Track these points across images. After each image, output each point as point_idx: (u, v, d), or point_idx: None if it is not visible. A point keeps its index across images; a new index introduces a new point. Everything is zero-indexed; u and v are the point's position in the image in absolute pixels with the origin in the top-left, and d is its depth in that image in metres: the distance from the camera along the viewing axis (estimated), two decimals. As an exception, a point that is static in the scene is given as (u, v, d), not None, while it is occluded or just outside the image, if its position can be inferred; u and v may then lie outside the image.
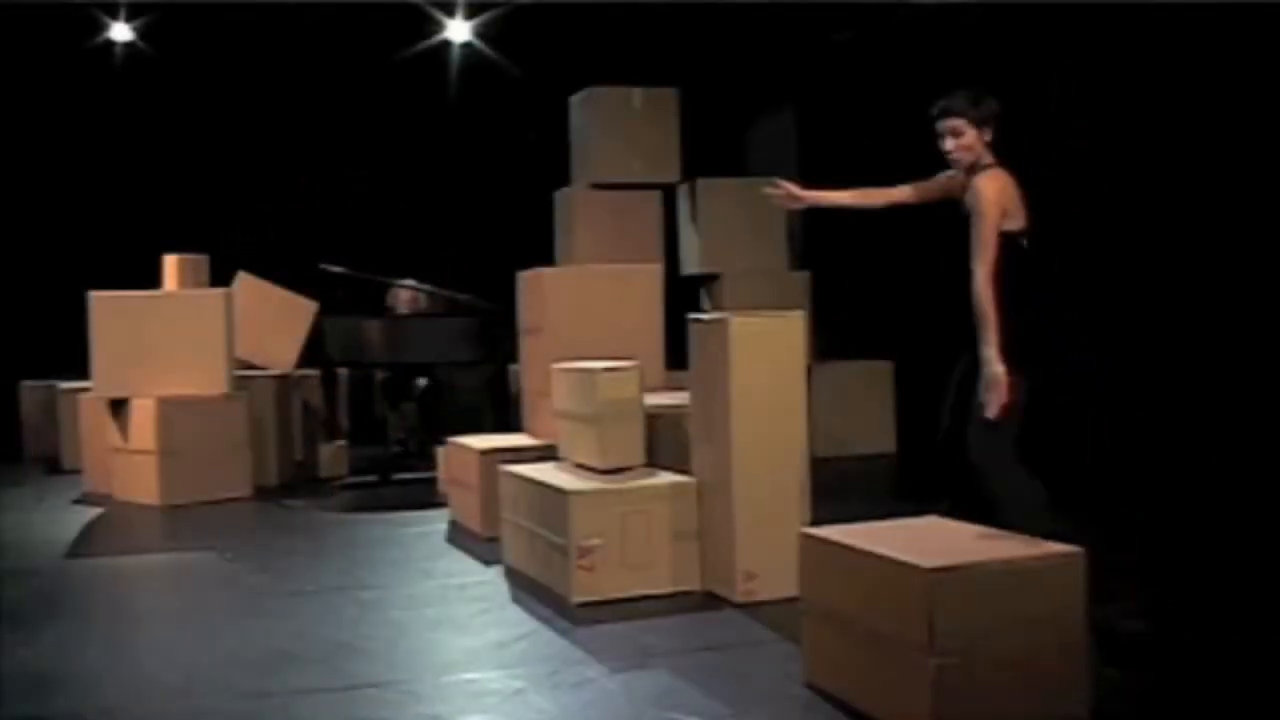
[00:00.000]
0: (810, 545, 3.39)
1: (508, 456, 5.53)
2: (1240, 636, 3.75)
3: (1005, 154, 4.54)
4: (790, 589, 3.68)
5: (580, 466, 4.94)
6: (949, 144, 4.14)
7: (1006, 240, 3.85)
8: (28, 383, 9.14)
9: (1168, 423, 6.09)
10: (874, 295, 8.30)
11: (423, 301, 8.33)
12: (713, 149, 8.92)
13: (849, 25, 8.48)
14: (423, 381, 8.42)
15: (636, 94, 7.51)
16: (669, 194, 7.94)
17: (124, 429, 7.15)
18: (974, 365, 3.90)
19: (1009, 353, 3.76)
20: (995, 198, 3.87)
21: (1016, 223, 3.93)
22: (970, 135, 4.09)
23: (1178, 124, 6.06)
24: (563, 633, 4.03)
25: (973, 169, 4.03)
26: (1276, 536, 4.99)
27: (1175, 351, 6.09)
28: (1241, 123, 5.74)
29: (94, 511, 6.86)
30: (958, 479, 4.00)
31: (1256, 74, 5.62)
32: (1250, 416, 5.70)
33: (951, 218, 4.79)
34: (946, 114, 4.15)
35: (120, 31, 9.39)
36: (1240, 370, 5.78)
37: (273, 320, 8.10)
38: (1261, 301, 5.67)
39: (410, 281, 8.18)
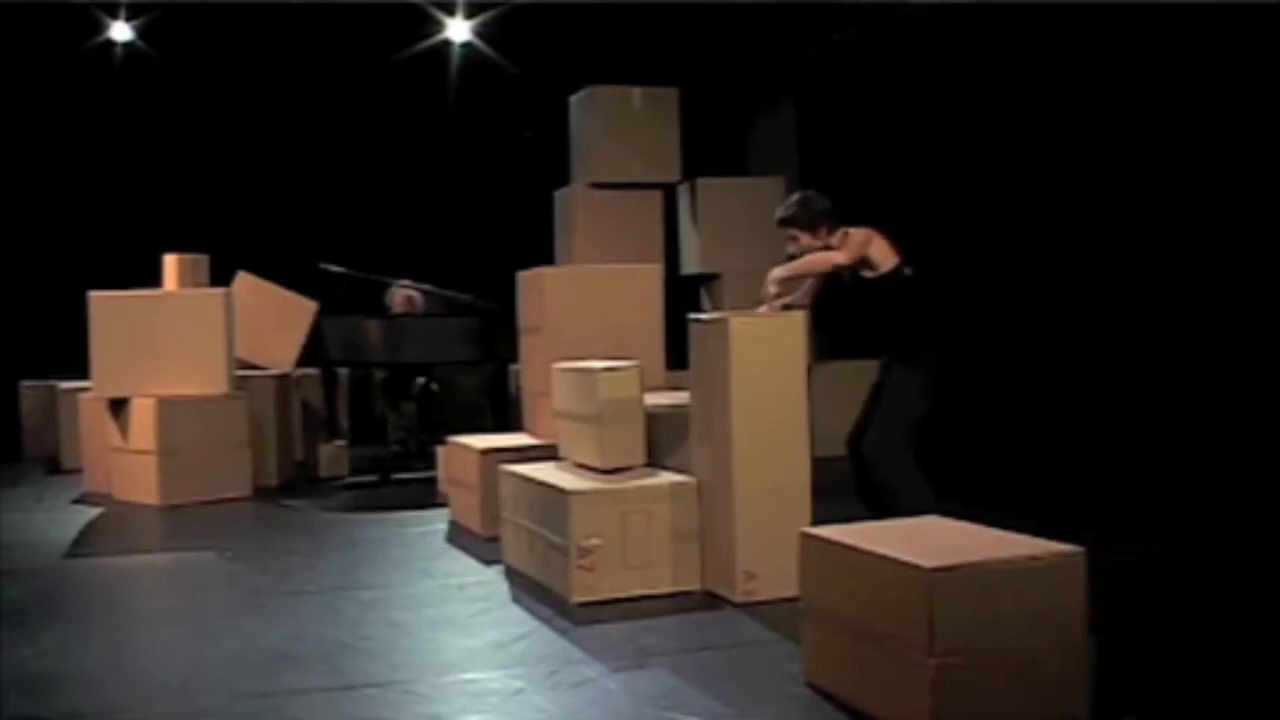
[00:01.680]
0: (810, 545, 3.39)
1: (508, 456, 5.53)
2: (1239, 635, 3.75)
3: (1006, 153, 4.58)
4: (790, 589, 3.68)
5: (580, 466, 4.94)
6: (791, 247, 4.92)
7: (887, 277, 4.72)
8: (28, 383, 9.15)
9: (1165, 421, 6.09)
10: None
11: (419, 302, 8.32)
12: (713, 149, 8.91)
13: (849, 25, 8.48)
14: (423, 381, 8.42)
15: (637, 94, 7.52)
16: (669, 194, 7.95)
17: (124, 429, 7.15)
18: (883, 374, 4.79)
19: (907, 356, 4.69)
20: (841, 256, 4.70)
21: (888, 265, 4.72)
22: (805, 239, 4.86)
23: (1178, 123, 6.06)
24: (563, 633, 4.03)
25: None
26: (1273, 535, 4.99)
27: (1174, 350, 6.09)
28: (1238, 122, 5.74)
29: (94, 511, 6.86)
30: (861, 477, 4.77)
31: (1254, 73, 5.62)
32: (1247, 415, 5.69)
33: (950, 222, 4.83)
34: (783, 224, 4.92)
35: (120, 31, 9.38)
36: (1237, 369, 5.77)
37: (272, 320, 8.10)
38: (1259, 300, 5.67)
39: (408, 281, 8.18)
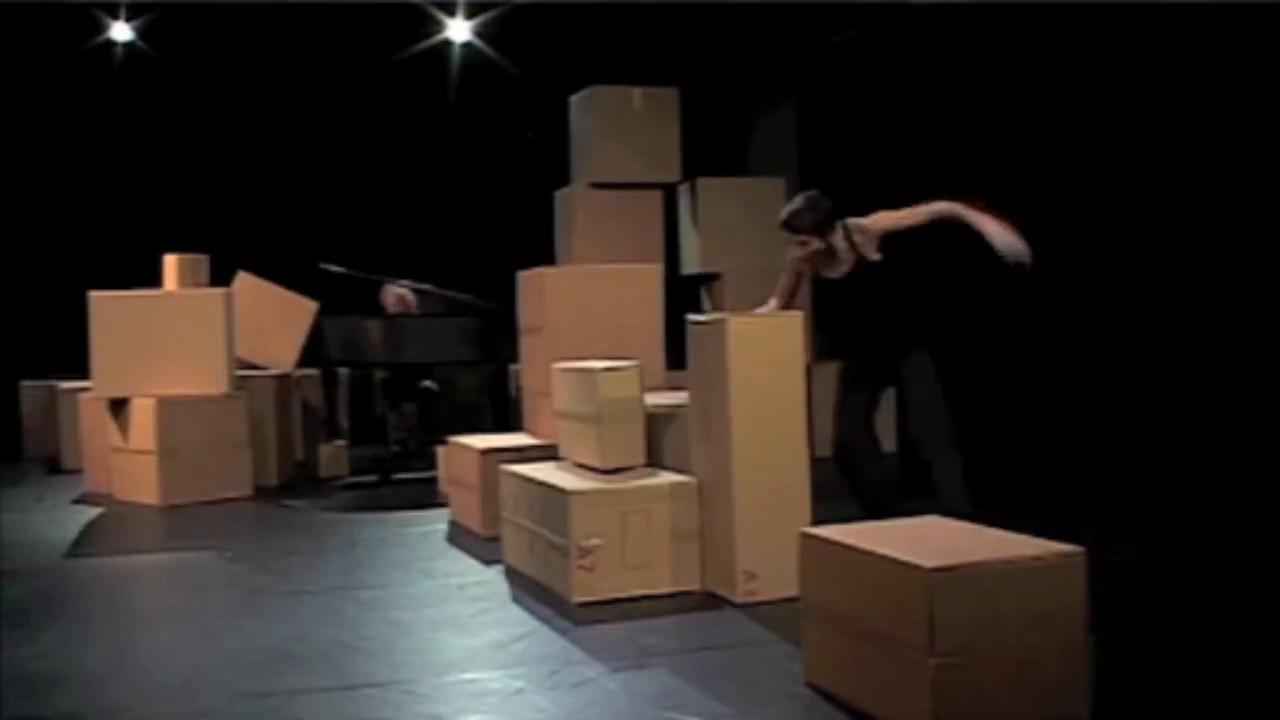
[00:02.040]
0: (810, 545, 3.39)
1: (508, 456, 5.53)
2: (1239, 635, 3.75)
3: (1007, 154, 4.56)
4: (791, 589, 3.68)
5: (580, 466, 4.94)
6: (798, 251, 4.90)
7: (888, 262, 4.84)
8: (28, 383, 9.15)
9: (1165, 422, 6.09)
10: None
11: (412, 302, 8.29)
12: (713, 148, 8.91)
13: (849, 25, 8.48)
14: (423, 382, 8.41)
15: (637, 94, 7.51)
16: (669, 194, 7.94)
17: (124, 429, 7.15)
18: (888, 363, 4.79)
19: (917, 343, 4.76)
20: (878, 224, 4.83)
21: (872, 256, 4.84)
22: (815, 243, 4.84)
23: (1178, 124, 6.05)
24: (563, 633, 4.03)
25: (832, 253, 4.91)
26: (1273, 535, 4.99)
27: (1174, 351, 6.09)
28: (1238, 122, 5.74)
29: (94, 511, 6.86)
30: (860, 480, 4.82)
31: (1254, 73, 5.62)
32: (1247, 415, 5.69)
33: (949, 225, 4.84)
34: (793, 231, 4.87)
35: (120, 31, 9.38)
36: (1237, 369, 5.77)
37: (273, 320, 8.10)
38: (1258, 300, 5.67)
39: (407, 282, 8.17)
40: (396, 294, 8.27)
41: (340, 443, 8.09)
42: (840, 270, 4.91)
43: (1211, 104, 5.88)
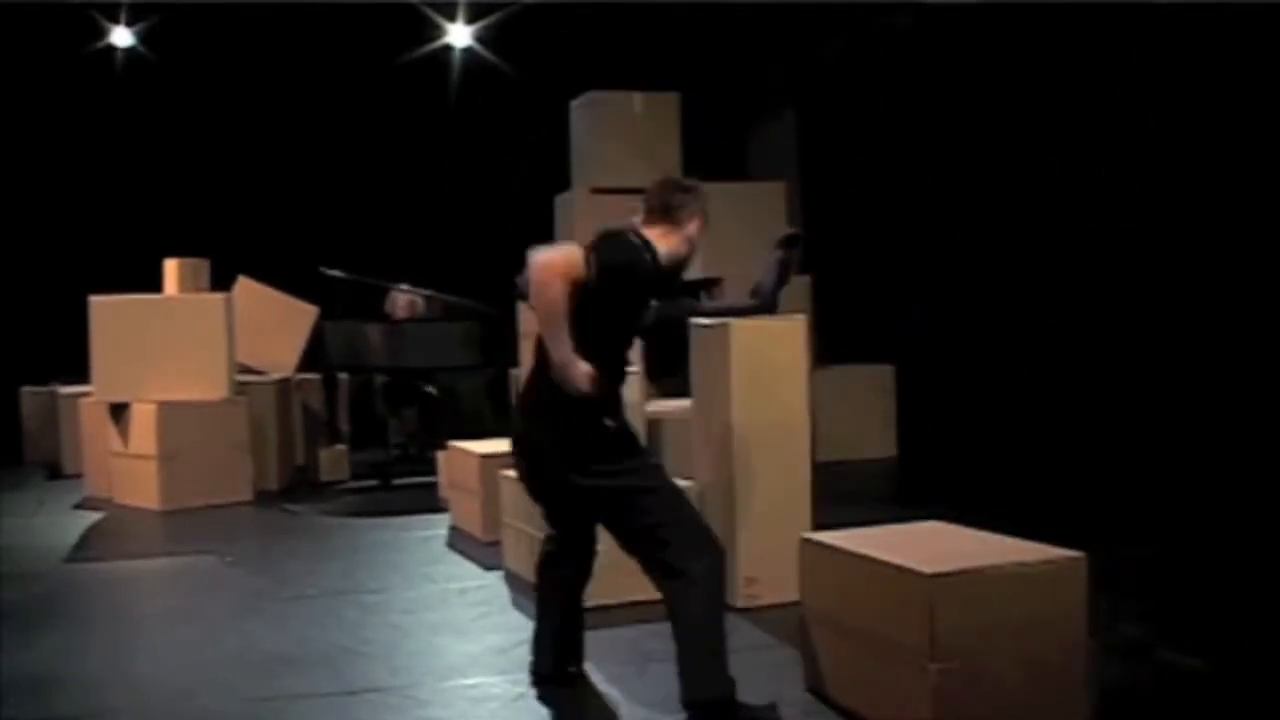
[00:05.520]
0: (811, 550, 3.39)
1: (508, 461, 5.51)
2: (1240, 636, 3.75)
3: (1007, 158, 4.56)
4: (792, 594, 3.67)
5: (581, 471, 4.92)
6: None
7: None
8: (28, 387, 9.14)
9: (1165, 426, 6.09)
10: (876, 299, 8.32)
11: (421, 307, 8.30)
12: (714, 153, 8.92)
13: (849, 29, 8.49)
14: (424, 386, 8.41)
15: (638, 98, 7.52)
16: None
17: (124, 433, 7.14)
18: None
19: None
20: None
21: None
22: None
23: (1178, 122, 6.06)
24: (563, 637, 4.03)
25: None
26: (1273, 536, 4.99)
27: (1174, 355, 6.09)
28: (1240, 126, 5.75)
29: (94, 516, 6.86)
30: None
31: (1257, 75, 5.63)
32: (1247, 418, 5.70)
33: (949, 226, 4.82)
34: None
35: (121, 36, 9.39)
36: (1237, 372, 5.78)
37: (273, 325, 8.10)
38: (1259, 304, 5.67)
39: (406, 286, 8.16)
40: (407, 299, 8.26)
41: (340, 447, 8.09)
42: None
43: (1212, 106, 5.88)
